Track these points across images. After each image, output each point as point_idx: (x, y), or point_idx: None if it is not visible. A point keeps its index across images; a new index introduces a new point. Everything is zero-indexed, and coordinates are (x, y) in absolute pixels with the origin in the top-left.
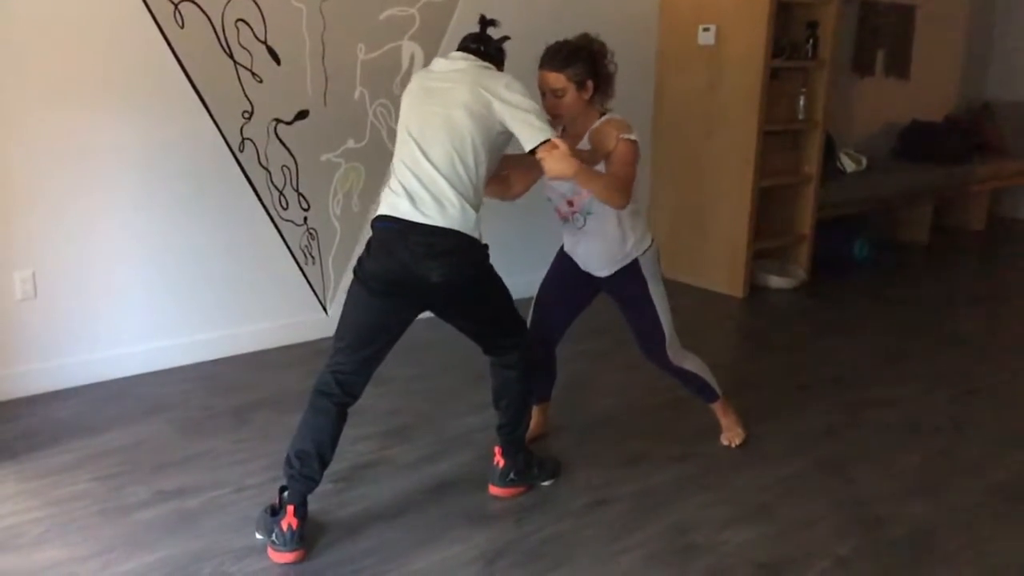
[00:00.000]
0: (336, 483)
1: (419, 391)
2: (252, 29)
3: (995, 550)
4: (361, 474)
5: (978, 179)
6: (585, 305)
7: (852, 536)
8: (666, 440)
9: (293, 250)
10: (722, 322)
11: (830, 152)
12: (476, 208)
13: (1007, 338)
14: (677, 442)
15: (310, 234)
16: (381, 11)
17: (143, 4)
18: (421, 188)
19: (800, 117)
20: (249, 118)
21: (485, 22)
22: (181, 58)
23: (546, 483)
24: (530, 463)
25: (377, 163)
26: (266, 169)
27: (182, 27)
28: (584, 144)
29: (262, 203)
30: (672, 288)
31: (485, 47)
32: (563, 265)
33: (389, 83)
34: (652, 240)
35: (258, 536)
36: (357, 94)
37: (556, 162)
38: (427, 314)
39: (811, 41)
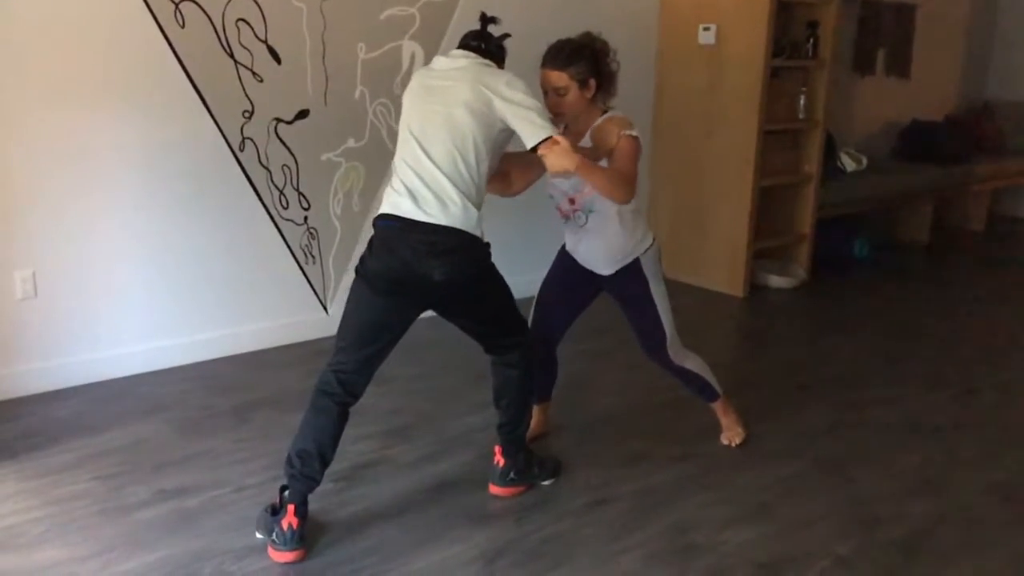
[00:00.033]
0: (337, 482)
1: (420, 390)
2: (253, 29)
3: (995, 550)
4: (362, 473)
5: (978, 179)
6: (586, 304)
7: (852, 536)
8: (666, 440)
9: (293, 249)
10: (722, 322)
11: (830, 152)
12: (478, 206)
13: (1007, 338)
14: (677, 442)
15: (310, 233)
16: (381, 11)
17: (143, 4)
18: (423, 186)
19: (800, 116)
20: (249, 117)
21: (486, 19)
22: (182, 58)
23: (546, 482)
24: (530, 462)
25: (377, 162)
26: (266, 168)
27: (183, 27)
28: (586, 142)
29: (262, 202)
30: (672, 288)
31: (486, 44)
32: (564, 264)
33: (389, 82)
34: (653, 239)
35: (258, 535)
36: (357, 93)
37: (557, 157)
38: (428, 313)
39: (811, 40)
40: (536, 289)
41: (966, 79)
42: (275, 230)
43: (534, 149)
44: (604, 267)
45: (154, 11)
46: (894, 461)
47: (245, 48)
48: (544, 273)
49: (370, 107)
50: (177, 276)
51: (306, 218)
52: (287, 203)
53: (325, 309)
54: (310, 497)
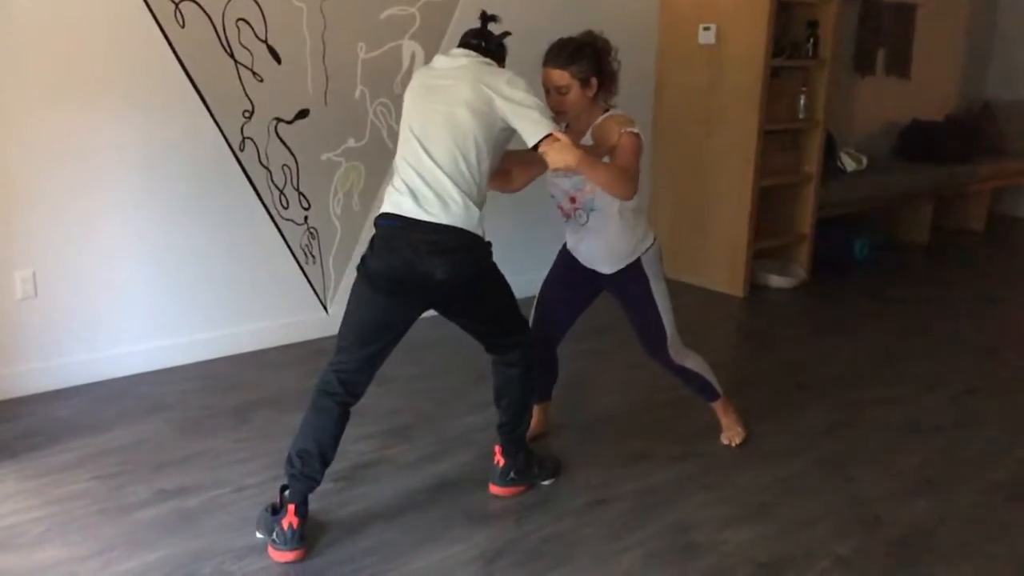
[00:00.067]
0: (337, 482)
1: (420, 390)
2: (253, 28)
3: (995, 550)
4: (362, 473)
5: (978, 178)
6: (587, 304)
7: (852, 536)
8: (667, 439)
9: (293, 249)
10: (722, 321)
11: (830, 151)
12: (479, 205)
13: (1007, 337)
14: (677, 441)
15: (310, 233)
16: (382, 10)
17: (144, 3)
18: (424, 186)
19: (800, 116)
20: (250, 117)
21: (486, 18)
22: (182, 57)
23: (546, 482)
24: (530, 462)
25: (377, 162)
26: (267, 168)
27: (183, 26)
28: (587, 140)
29: (262, 202)
30: (672, 287)
31: (486, 43)
32: (565, 263)
33: (389, 82)
34: (654, 238)
35: (258, 535)
36: (358, 93)
37: (558, 154)
38: (428, 313)
39: (811, 40)
40: (537, 288)
41: (966, 79)
42: (275, 230)
43: (535, 147)
44: (605, 266)
45: (154, 11)
46: (894, 461)
47: (245, 48)
48: (545, 272)
49: (370, 107)
50: (177, 276)
51: (306, 218)
52: (287, 203)
53: (325, 309)
54: (310, 497)
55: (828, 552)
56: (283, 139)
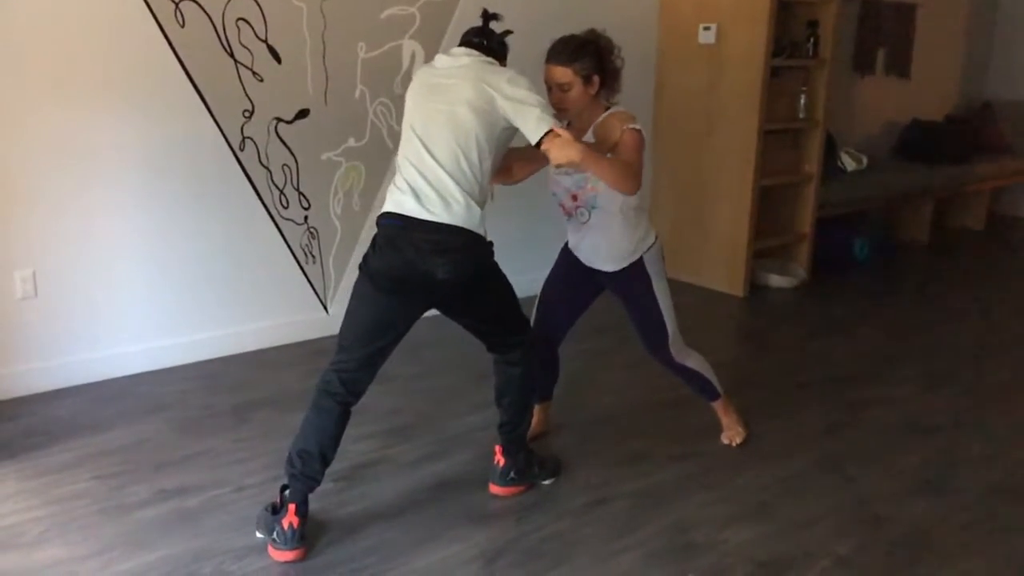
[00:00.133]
0: (337, 482)
1: (420, 390)
2: (253, 28)
3: (995, 550)
4: (362, 473)
5: (978, 178)
6: (588, 303)
7: (852, 535)
8: (667, 439)
9: (294, 249)
10: (722, 321)
11: (830, 151)
12: (481, 205)
13: (1007, 337)
14: (678, 441)
15: (311, 233)
16: (382, 10)
17: (144, 3)
18: (426, 185)
19: (800, 116)
20: (250, 117)
21: (487, 16)
22: (182, 57)
23: (546, 482)
24: (531, 462)
25: (378, 162)
26: (267, 168)
27: (183, 26)
28: (588, 138)
29: (263, 202)
30: (672, 287)
31: (488, 41)
32: (567, 263)
33: (390, 82)
34: (656, 237)
35: (258, 535)
36: (358, 93)
37: (561, 149)
38: (429, 313)
39: (812, 40)
40: (538, 288)
41: (966, 79)
42: (275, 230)
43: (538, 144)
44: (607, 264)
45: (154, 10)
46: (894, 461)
47: (245, 47)
48: (546, 272)
49: (370, 106)
50: (177, 275)
51: (306, 218)
52: (287, 203)
53: (325, 309)
54: (310, 497)
55: (828, 552)
56: (283, 139)
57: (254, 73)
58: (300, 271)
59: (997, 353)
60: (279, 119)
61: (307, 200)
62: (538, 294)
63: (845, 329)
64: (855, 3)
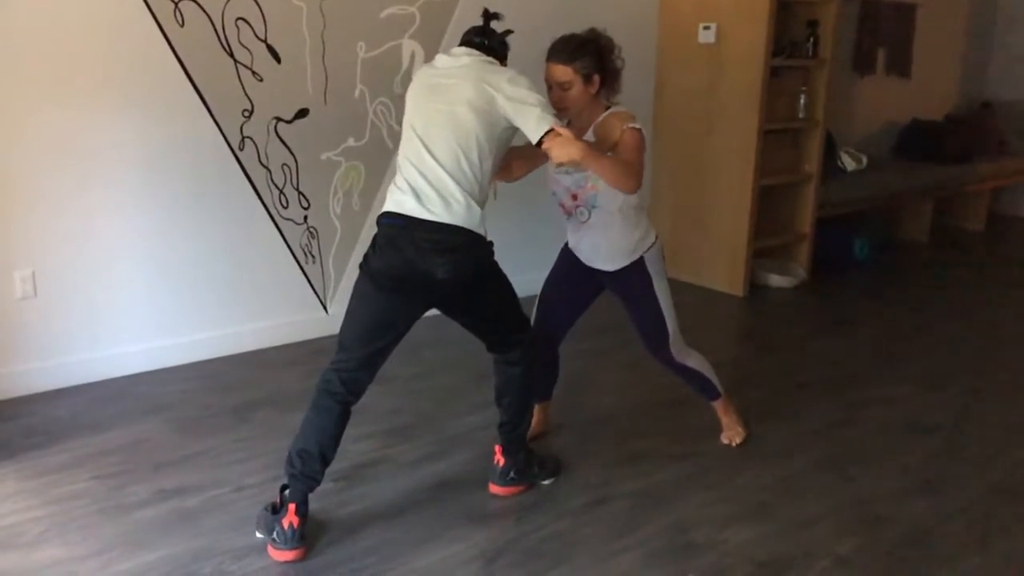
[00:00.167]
0: (337, 482)
1: (420, 390)
2: (252, 28)
3: (995, 550)
4: (362, 473)
5: (978, 178)
6: (589, 303)
7: (852, 535)
8: (667, 439)
9: (293, 249)
10: (722, 321)
11: (830, 151)
12: (481, 205)
13: (1007, 337)
14: (678, 441)
15: (310, 233)
16: (381, 9)
17: (143, 3)
18: (426, 185)
19: (800, 116)
20: (249, 116)
21: (488, 16)
22: (181, 57)
23: (546, 482)
24: (530, 462)
25: (377, 162)
26: (266, 168)
27: (182, 26)
28: (589, 137)
29: (262, 202)
30: (672, 287)
31: (489, 41)
32: (567, 262)
33: (389, 81)
34: (656, 237)
35: (258, 535)
36: (357, 92)
37: (562, 148)
38: (429, 313)
39: (811, 40)
40: (538, 288)
41: (966, 79)
42: (275, 229)
43: (539, 143)
44: (607, 264)
45: (154, 10)
46: (894, 461)
47: (245, 47)
48: (546, 272)
49: (370, 106)
50: (177, 275)
51: (306, 217)
52: (287, 202)
53: (325, 309)
54: (310, 497)
55: (828, 552)
56: (283, 138)
57: (254, 73)
58: (300, 271)
59: (997, 353)
60: (279, 119)
61: (307, 200)
62: (538, 294)
63: (845, 329)
64: (855, 3)
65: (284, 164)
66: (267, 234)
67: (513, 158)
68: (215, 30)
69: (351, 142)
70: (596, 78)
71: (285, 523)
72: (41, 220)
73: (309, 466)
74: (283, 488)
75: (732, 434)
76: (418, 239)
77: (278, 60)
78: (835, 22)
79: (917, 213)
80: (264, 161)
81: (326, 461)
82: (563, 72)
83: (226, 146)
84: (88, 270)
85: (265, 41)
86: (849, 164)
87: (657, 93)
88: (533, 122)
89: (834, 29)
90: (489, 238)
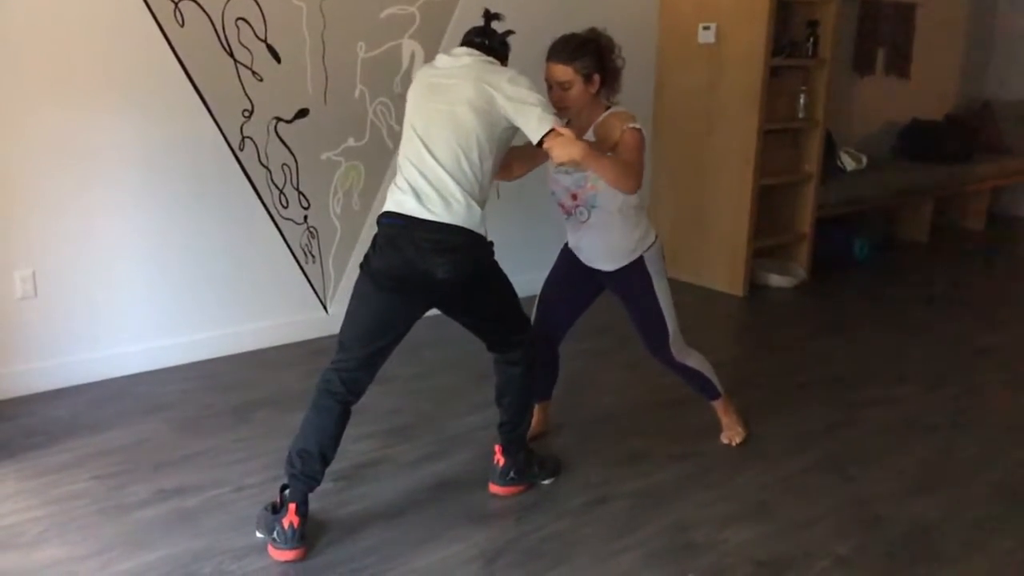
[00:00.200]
0: (337, 482)
1: (420, 390)
2: (252, 27)
3: (994, 549)
4: (362, 473)
5: (978, 178)
6: (589, 303)
7: (852, 535)
8: (666, 439)
9: (293, 249)
10: (722, 321)
11: (830, 151)
12: (481, 205)
13: (1007, 337)
14: (677, 441)
15: (310, 233)
16: (381, 9)
17: (143, 3)
18: (427, 185)
19: (800, 116)
20: (249, 116)
21: (489, 16)
22: (181, 57)
23: (546, 481)
24: (530, 461)
25: (377, 161)
26: (266, 168)
27: (182, 25)
28: (589, 137)
29: (262, 202)
30: (672, 287)
31: (489, 41)
32: (567, 262)
33: (389, 81)
34: (656, 236)
35: (258, 535)
36: (357, 92)
37: (563, 147)
38: (429, 313)
39: (811, 39)
40: (538, 288)
41: (966, 79)
42: (275, 229)
43: (540, 143)
44: (607, 263)
45: (154, 10)
46: (894, 461)
47: (245, 47)
48: (546, 272)
49: (370, 106)
50: (177, 275)
51: (306, 217)
52: (287, 202)
53: (325, 308)
54: (310, 496)
55: (828, 552)
56: (283, 138)
57: (254, 73)
58: (300, 271)
59: (997, 353)
60: (279, 119)
61: (307, 200)
62: (538, 294)
63: (845, 329)
64: (855, 3)
65: (284, 164)
66: (267, 234)
67: (513, 158)
68: (215, 30)
69: (351, 142)
70: (596, 78)
71: (285, 523)
72: (41, 220)
73: (309, 466)
74: (283, 488)
75: (732, 434)
76: (418, 239)
77: (278, 60)
78: (835, 22)
79: (917, 213)
80: (264, 161)
81: (326, 461)
82: (563, 72)
83: (226, 146)
84: (88, 270)
85: (265, 41)
86: (849, 164)
87: (657, 93)
88: (534, 122)
89: (834, 29)
90: (489, 238)
